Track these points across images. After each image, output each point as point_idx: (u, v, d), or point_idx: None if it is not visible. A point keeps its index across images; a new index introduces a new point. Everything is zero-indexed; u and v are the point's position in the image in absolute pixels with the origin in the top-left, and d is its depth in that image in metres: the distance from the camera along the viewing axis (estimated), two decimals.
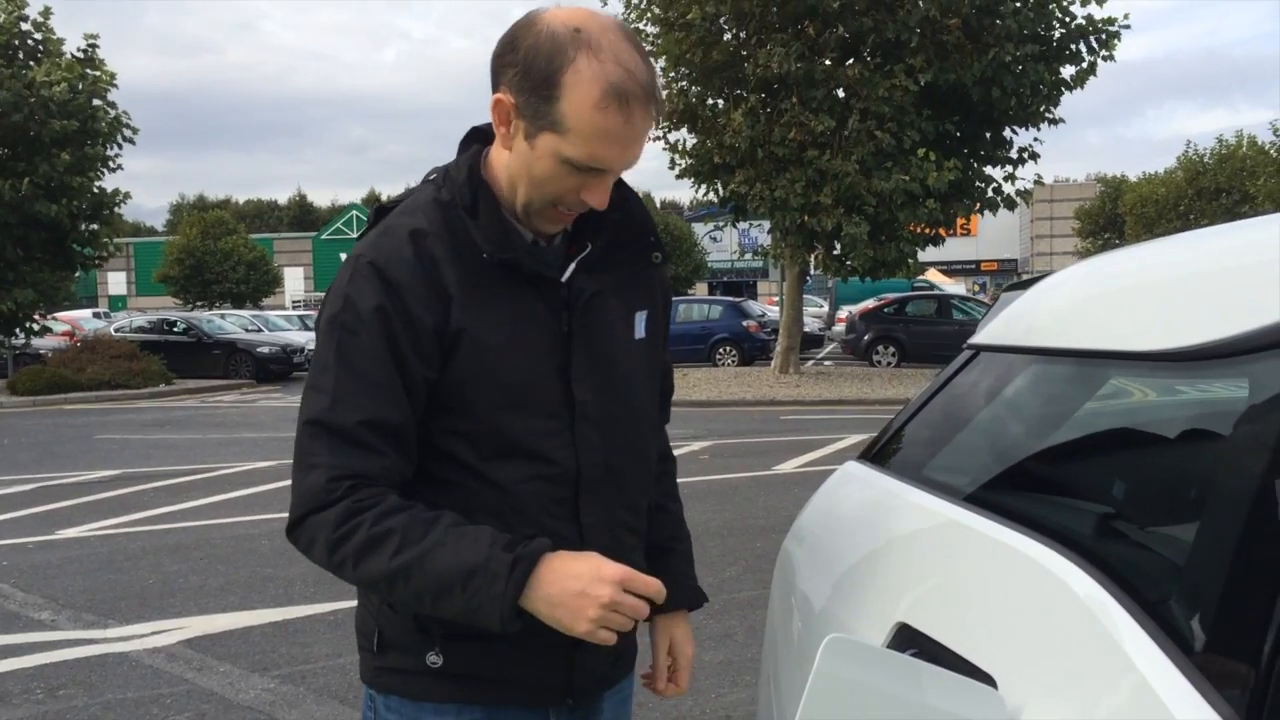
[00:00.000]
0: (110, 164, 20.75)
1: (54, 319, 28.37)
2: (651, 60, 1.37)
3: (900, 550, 1.51)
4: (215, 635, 5.04)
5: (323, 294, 1.46)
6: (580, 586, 1.25)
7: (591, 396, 1.42)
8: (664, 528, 1.63)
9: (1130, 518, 1.27)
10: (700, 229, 54.82)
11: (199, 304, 48.77)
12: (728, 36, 17.39)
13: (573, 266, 1.42)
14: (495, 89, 1.35)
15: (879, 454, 1.72)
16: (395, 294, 1.33)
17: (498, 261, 1.36)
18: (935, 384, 1.67)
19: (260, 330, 26.58)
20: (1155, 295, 1.25)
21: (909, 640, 1.35)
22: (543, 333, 1.39)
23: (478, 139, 1.47)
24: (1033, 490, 1.42)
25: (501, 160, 1.40)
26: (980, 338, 1.59)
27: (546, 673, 1.44)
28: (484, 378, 1.36)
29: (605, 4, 18.68)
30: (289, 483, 1.39)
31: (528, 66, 1.31)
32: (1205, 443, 1.24)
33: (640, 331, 1.50)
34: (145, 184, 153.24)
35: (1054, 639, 1.17)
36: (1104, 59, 17.09)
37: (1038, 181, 19.23)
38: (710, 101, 18.17)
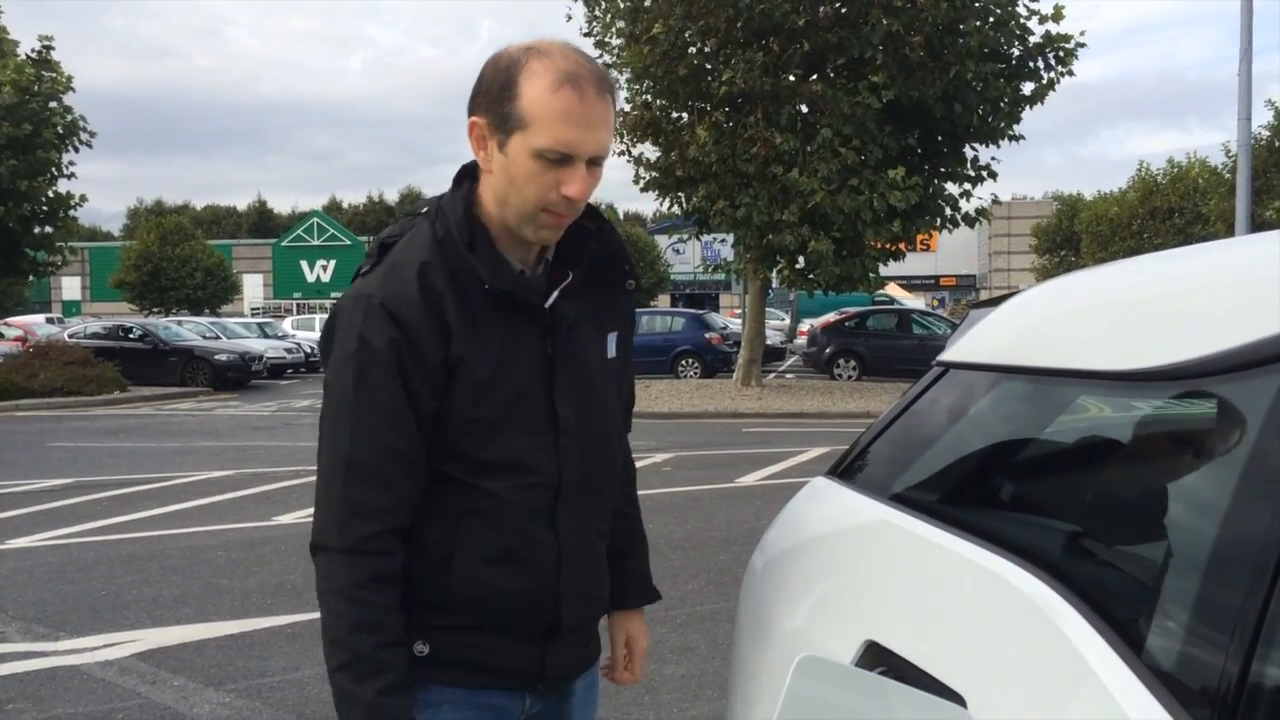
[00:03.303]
0: (63, 169, 20.33)
1: (6, 324, 27.86)
2: (610, 78, 1.51)
3: (869, 567, 1.51)
4: (169, 648, 4.95)
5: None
6: None
7: (572, 414, 1.54)
8: (624, 532, 1.78)
9: (1099, 536, 1.28)
10: (663, 241, 54.98)
11: (155, 310, 48.15)
12: (692, 51, 17.45)
13: (556, 294, 1.53)
14: (470, 129, 1.49)
15: (847, 470, 1.72)
16: (405, 331, 1.44)
17: (495, 292, 1.47)
18: (904, 401, 1.68)
19: (218, 337, 26.26)
20: (1124, 315, 1.26)
21: (878, 658, 1.35)
22: (529, 356, 1.51)
23: (468, 176, 1.56)
24: (1002, 508, 1.43)
25: (489, 190, 1.50)
26: (949, 355, 1.60)
27: (521, 660, 1.57)
28: (478, 402, 1.47)
29: (570, 18, 18.83)
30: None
31: (488, 85, 1.46)
32: (1175, 462, 1.25)
33: (612, 351, 1.63)
34: (102, 188, 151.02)
35: (1023, 658, 1.17)
36: (1063, 75, 17.37)
37: (995, 201, 19.48)
38: (675, 115, 18.23)
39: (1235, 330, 1.06)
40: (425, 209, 1.55)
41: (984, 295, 71.40)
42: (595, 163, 1.46)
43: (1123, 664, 1.06)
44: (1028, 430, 1.45)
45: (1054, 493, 1.40)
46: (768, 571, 1.77)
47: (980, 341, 1.53)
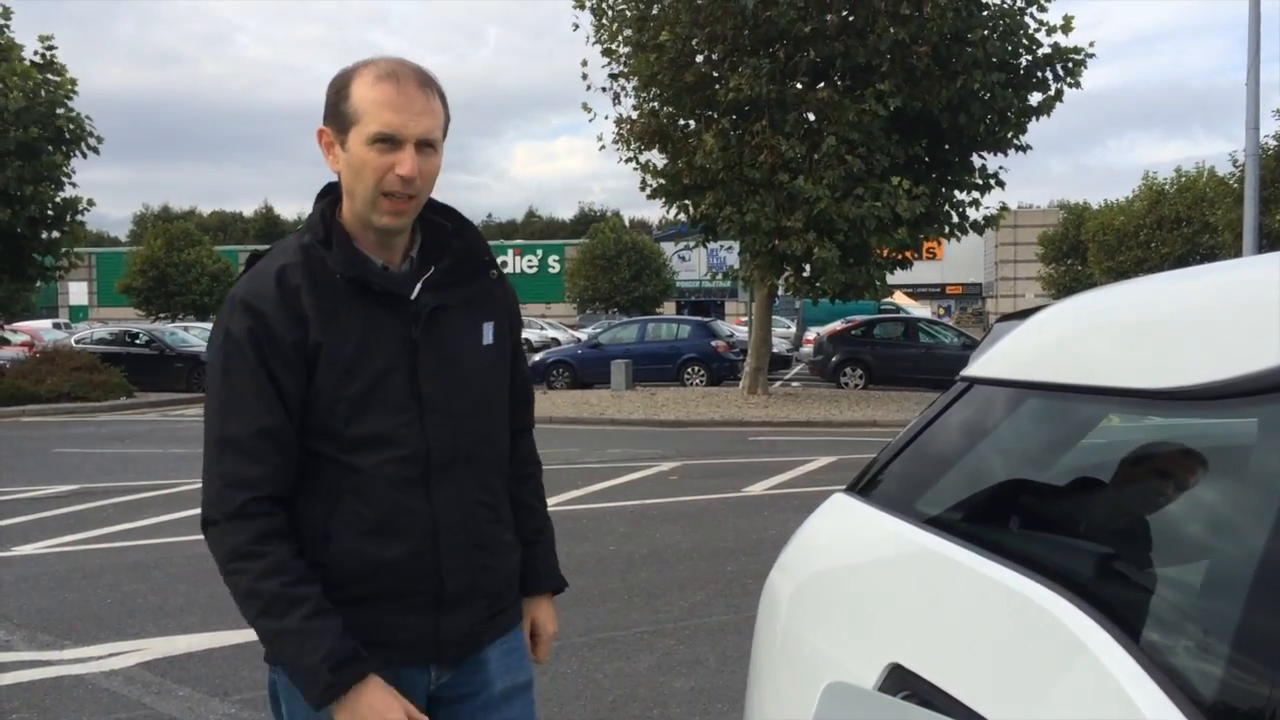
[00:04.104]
0: (68, 174, 20.26)
1: (12, 329, 27.88)
2: (437, 80, 1.68)
3: (892, 587, 1.48)
4: (175, 657, 4.92)
5: None
6: (375, 716, 1.57)
7: (438, 392, 1.68)
8: (530, 523, 1.93)
9: (1133, 558, 1.24)
10: (669, 248, 54.94)
11: (162, 316, 48.23)
12: (699, 58, 17.43)
13: (419, 286, 1.69)
14: (319, 138, 1.69)
15: (868, 486, 1.68)
16: (261, 320, 1.60)
17: (349, 281, 1.63)
18: (927, 416, 1.64)
19: None
20: (1159, 331, 1.23)
21: (902, 682, 1.32)
22: (391, 341, 1.66)
23: (330, 192, 1.75)
24: (1030, 528, 1.40)
25: (344, 193, 1.69)
26: (974, 370, 1.57)
27: (416, 631, 1.68)
28: (341, 381, 1.62)
29: (577, 27, 18.79)
30: None
31: (328, 96, 1.66)
32: (1212, 483, 1.21)
33: (488, 338, 1.78)
34: (110, 194, 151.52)
35: (1054, 685, 1.14)
36: (1070, 86, 17.31)
37: (1003, 208, 19.41)
38: (681, 123, 18.21)
39: (1278, 348, 1.03)
40: (300, 228, 1.75)
41: (990, 304, 71.35)
42: (426, 147, 1.64)
43: (1161, 692, 1.03)
44: (1057, 448, 1.42)
45: (1084, 513, 1.37)
46: (787, 590, 1.74)
47: (1007, 356, 1.50)
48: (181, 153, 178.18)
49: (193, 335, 25.64)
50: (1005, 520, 1.45)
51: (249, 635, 5.10)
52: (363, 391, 1.63)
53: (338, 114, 1.64)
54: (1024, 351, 1.47)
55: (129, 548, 7.29)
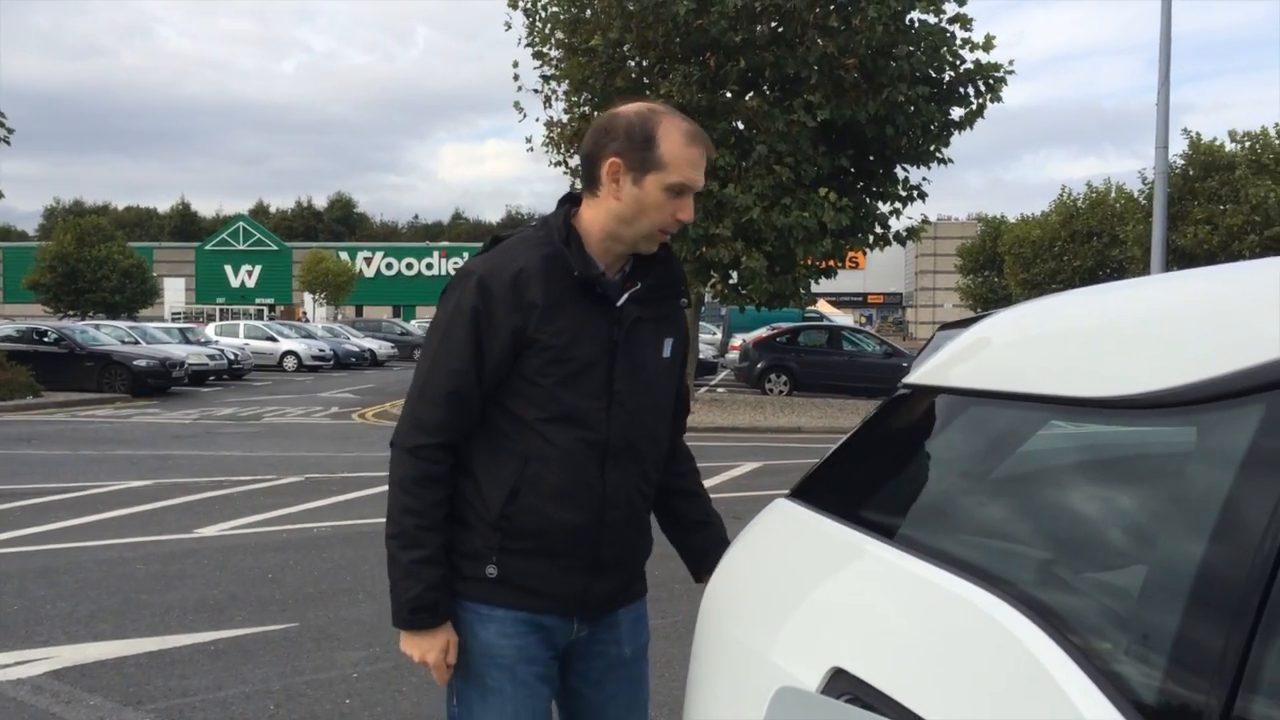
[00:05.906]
0: None
1: None
2: None
3: (835, 593, 1.48)
4: (86, 666, 4.75)
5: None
6: (430, 647, 1.93)
7: (626, 389, 1.95)
8: (701, 508, 2.25)
9: (1072, 564, 1.27)
10: None
11: (71, 313, 46.71)
12: (631, 64, 17.47)
13: (625, 296, 1.98)
14: (599, 164, 1.94)
15: (810, 492, 1.69)
16: (488, 299, 1.88)
17: (580, 282, 1.90)
18: (868, 422, 1.66)
19: (138, 342, 25.52)
20: (1100, 341, 1.25)
21: (846, 686, 1.33)
22: (599, 338, 1.93)
23: (570, 200, 2.03)
24: (971, 533, 1.41)
25: (596, 214, 1.97)
26: (916, 377, 1.59)
27: (570, 587, 1.96)
28: (554, 364, 1.89)
29: (509, 27, 18.70)
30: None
31: (629, 135, 1.92)
32: (1152, 491, 1.24)
33: (667, 352, 2.06)
34: (20, 187, 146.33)
35: (997, 689, 1.15)
36: (991, 101, 17.72)
37: (925, 221, 19.80)
38: None
39: (1217, 359, 1.06)
40: (535, 224, 2.04)
41: (910, 313, 72.69)
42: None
43: (1099, 693, 1.05)
44: (998, 455, 1.44)
45: (1025, 519, 1.39)
46: (729, 595, 1.74)
47: (949, 365, 1.51)
48: (97, 146, 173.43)
49: (104, 334, 24.87)
50: (945, 525, 1.47)
51: (163, 643, 5.01)
52: (568, 376, 1.90)
53: (643, 157, 1.90)
54: (966, 360, 1.49)
55: (37, 552, 7.02)
